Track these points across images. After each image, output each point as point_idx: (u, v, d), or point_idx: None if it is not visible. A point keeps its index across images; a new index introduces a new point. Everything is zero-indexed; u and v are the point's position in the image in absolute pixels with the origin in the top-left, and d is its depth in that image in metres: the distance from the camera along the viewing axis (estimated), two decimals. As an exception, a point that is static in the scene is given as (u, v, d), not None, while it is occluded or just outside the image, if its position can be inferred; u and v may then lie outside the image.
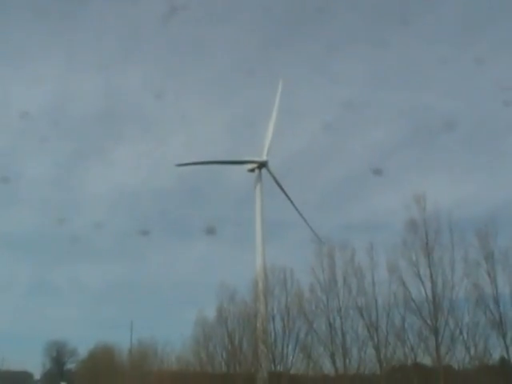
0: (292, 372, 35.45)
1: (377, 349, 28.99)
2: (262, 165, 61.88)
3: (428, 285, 27.57)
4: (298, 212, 57.41)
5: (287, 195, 58.90)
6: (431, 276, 27.57)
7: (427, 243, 28.13)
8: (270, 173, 61.10)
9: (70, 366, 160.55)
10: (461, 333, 26.30)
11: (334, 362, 30.66)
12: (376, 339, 29.11)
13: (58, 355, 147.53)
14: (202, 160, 58.55)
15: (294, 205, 58.46)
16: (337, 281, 32.59)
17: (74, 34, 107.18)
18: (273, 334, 37.20)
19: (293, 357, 35.62)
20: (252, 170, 63.87)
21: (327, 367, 31.66)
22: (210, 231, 55.23)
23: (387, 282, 29.38)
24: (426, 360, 27.67)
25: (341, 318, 31.71)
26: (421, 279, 27.81)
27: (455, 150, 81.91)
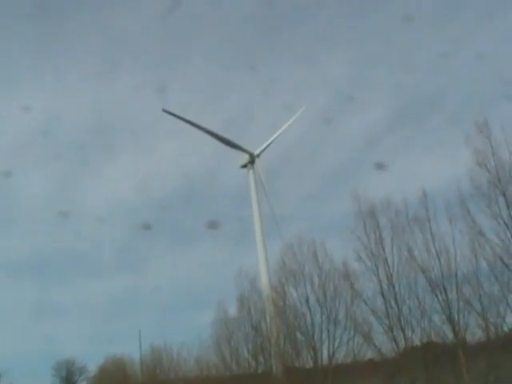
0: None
1: (448, 316, 23.29)
2: (253, 159, 57.73)
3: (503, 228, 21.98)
4: (271, 207, 53.49)
5: (265, 192, 55.09)
6: (511, 217, 21.94)
7: (499, 179, 22.55)
8: (255, 170, 57.02)
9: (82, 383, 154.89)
10: None
11: (393, 338, 24.91)
12: (445, 305, 23.41)
13: (68, 374, 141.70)
14: (190, 120, 53.72)
15: (268, 201, 54.67)
16: (384, 244, 26.89)
17: (60, 53, 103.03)
18: (308, 318, 31.62)
19: (334, 340, 30.03)
20: (244, 166, 59.86)
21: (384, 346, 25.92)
22: (212, 226, 50.35)
23: (450, 234, 23.69)
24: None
25: (394, 288, 26.00)
26: (497, 221, 22.16)
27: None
